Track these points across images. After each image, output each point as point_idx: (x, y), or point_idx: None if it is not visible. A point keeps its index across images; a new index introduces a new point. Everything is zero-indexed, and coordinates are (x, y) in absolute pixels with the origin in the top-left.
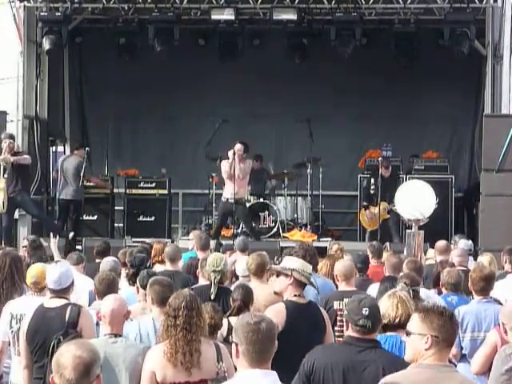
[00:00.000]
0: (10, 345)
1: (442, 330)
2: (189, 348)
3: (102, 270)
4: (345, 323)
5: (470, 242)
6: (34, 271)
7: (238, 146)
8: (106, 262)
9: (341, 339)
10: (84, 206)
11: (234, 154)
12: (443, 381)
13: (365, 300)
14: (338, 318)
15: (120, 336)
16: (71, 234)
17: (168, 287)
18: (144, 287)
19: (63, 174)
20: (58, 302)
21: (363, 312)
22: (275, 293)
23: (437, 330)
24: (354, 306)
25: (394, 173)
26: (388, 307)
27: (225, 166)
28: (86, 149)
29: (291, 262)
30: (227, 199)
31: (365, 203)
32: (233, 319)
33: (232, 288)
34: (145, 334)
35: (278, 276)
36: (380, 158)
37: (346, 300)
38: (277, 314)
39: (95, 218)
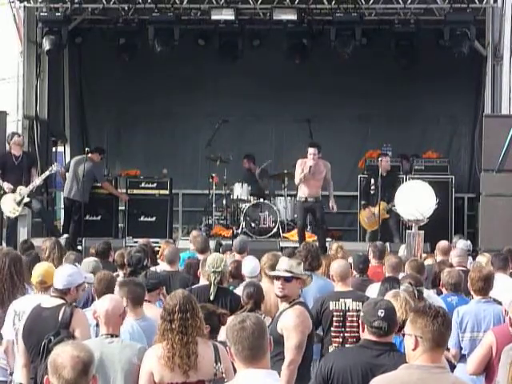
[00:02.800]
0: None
1: (424, 329)
2: (186, 351)
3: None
4: (360, 325)
5: (469, 242)
6: (40, 270)
7: (312, 150)
8: (87, 264)
9: (337, 339)
10: (87, 207)
11: (312, 158)
12: (435, 381)
13: (381, 302)
14: (335, 318)
15: (116, 336)
16: (64, 236)
17: (141, 286)
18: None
19: (74, 175)
20: (55, 302)
21: (379, 314)
22: (282, 297)
23: (420, 329)
24: (370, 308)
25: (392, 172)
26: (397, 309)
27: (301, 167)
28: (86, 149)
29: (296, 266)
30: (306, 198)
31: (363, 202)
32: None
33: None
34: (136, 333)
35: (287, 280)
36: (380, 158)
37: (342, 300)
38: (307, 319)
39: (99, 218)
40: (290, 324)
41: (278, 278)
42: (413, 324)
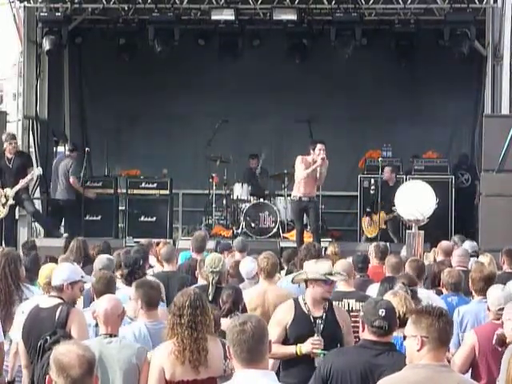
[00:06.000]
0: None
1: (430, 329)
2: (196, 346)
3: (95, 268)
4: (360, 325)
5: (475, 243)
6: (47, 271)
7: (320, 146)
8: (100, 260)
9: None
10: (87, 207)
11: (320, 153)
12: (441, 380)
13: (381, 302)
14: None
15: (115, 336)
16: (65, 235)
17: (156, 289)
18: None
19: (55, 175)
20: (52, 302)
21: (380, 313)
22: (327, 299)
23: (425, 329)
24: (371, 307)
25: (397, 182)
26: (396, 303)
27: (305, 163)
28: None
29: (325, 267)
30: (300, 198)
31: (368, 210)
32: (224, 321)
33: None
34: (141, 337)
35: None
36: (387, 168)
37: (345, 301)
38: None
39: (99, 218)
40: (349, 320)
41: (328, 282)
42: (416, 324)
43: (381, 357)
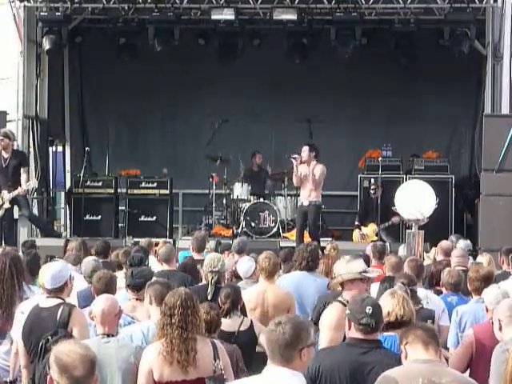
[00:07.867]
0: None
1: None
2: (185, 346)
3: (85, 271)
4: (347, 323)
5: (468, 241)
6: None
7: (304, 148)
8: (87, 263)
9: None
10: (87, 206)
11: (301, 153)
12: (441, 373)
13: (367, 299)
14: None
15: (113, 336)
16: (64, 234)
17: (167, 287)
18: (129, 286)
19: None
20: (52, 302)
21: (367, 311)
22: None
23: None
24: (357, 305)
25: (385, 192)
26: (394, 305)
27: (295, 170)
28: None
29: (358, 266)
30: (302, 202)
31: (357, 223)
32: (223, 321)
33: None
34: (149, 335)
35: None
36: (374, 191)
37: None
38: None
39: (99, 218)
40: None
41: (365, 279)
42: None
43: (368, 354)
